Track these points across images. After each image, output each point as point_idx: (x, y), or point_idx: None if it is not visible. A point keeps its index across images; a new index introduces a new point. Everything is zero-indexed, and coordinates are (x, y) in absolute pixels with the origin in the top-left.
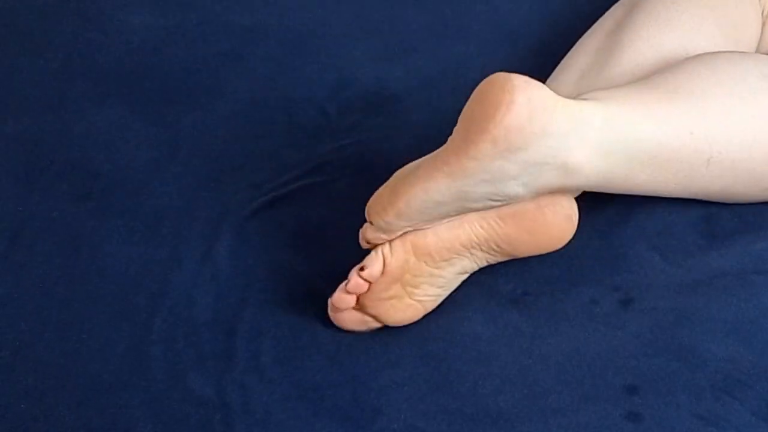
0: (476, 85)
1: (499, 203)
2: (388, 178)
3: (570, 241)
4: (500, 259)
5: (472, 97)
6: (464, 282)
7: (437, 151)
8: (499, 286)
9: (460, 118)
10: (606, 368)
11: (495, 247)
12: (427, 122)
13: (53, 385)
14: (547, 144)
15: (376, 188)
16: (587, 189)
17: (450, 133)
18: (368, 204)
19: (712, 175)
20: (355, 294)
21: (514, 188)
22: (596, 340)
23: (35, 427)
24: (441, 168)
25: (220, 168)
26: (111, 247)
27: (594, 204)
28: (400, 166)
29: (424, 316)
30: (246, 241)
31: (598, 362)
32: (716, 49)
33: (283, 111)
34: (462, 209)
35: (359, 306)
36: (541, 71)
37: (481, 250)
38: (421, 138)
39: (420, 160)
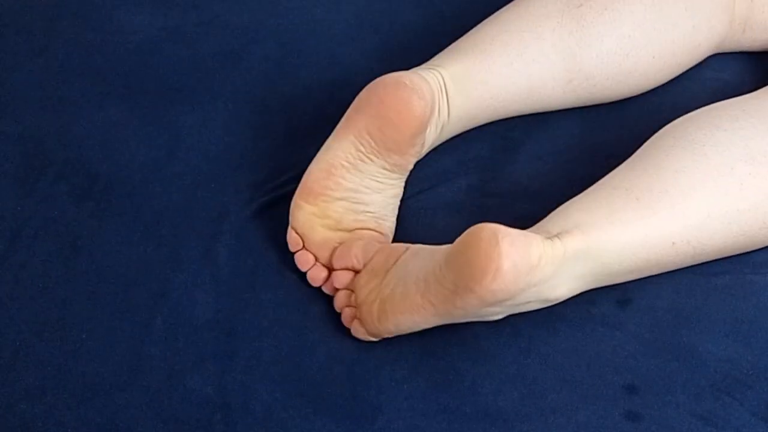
0: None
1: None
2: None
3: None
4: None
5: (459, 244)
6: None
7: (424, 278)
8: None
9: (447, 259)
10: (605, 368)
11: None
12: None
13: (53, 384)
14: (532, 291)
15: None
16: None
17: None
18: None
19: (700, 259)
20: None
21: (497, 316)
22: (594, 340)
23: (35, 427)
24: (428, 307)
25: (219, 168)
26: (111, 246)
27: None
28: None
29: None
30: (246, 240)
31: (596, 362)
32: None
33: (283, 111)
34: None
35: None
36: None
37: None
38: None
39: (402, 273)
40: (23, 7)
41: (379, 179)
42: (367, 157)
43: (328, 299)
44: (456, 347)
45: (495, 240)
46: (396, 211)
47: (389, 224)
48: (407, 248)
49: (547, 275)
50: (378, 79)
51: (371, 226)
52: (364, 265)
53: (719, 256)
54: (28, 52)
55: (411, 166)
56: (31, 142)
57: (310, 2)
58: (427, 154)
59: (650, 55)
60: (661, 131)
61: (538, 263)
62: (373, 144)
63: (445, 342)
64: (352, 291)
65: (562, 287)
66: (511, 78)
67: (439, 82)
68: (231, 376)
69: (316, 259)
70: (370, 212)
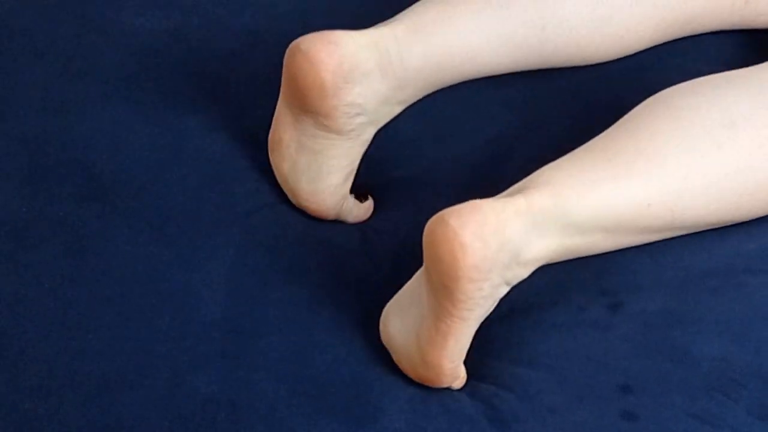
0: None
1: None
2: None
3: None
4: None
5: (425, 256)
6: None
7: (424, 314)
8: None
9: (426, 278)
10: (598, 369)
11: None
12: (424, 122)
13: (59, 384)
14: (508, 251)
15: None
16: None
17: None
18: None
19: (680, 228)
20: None
21: (501, 290)
22: (586, 344)
23: (40, 426)
24: (447, 320)
25: (224, 169)
26: (117, 247)
27: None
28: (399, 166)
29: None
30: (252, 240)
31: (589, 364)
32: None
33: None
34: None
35: None
36: None
37: None
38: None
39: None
40: (25, 9)
41: (314, 139)
42: (295, 116)
43: (336, 299)
44: None
45: (444, 223)
46: (337, 178)
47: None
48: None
49: (516, 231)
50: (288, 49)
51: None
52: None
53: (704, 227)
54: (31, 54)
55: (353, 125)
56: (35, 143)
57: (311, 6)
58: (418, 158)
59: (628, 2)
60: (644, 102)
61: (498, 221)
62: (293, 104)
63: None
64: None
65: (537, 245)
66: (479, 26)
67: (380, 37)
68: (236, 375)
69: None
70: (307, 177)
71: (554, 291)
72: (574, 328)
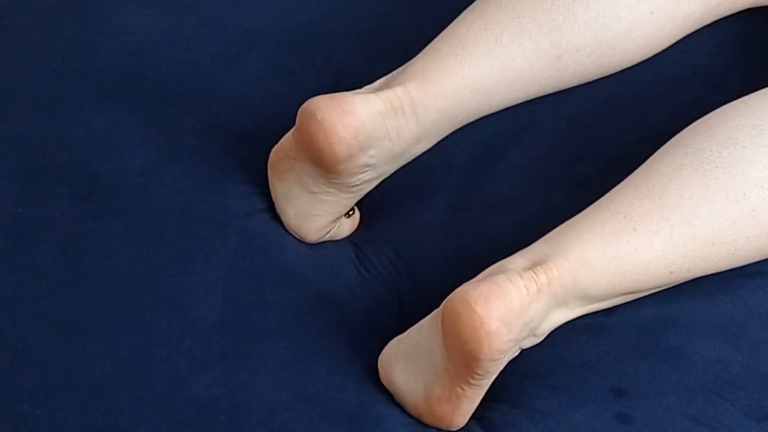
0: None
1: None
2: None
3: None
4: None
5: (445, 327)
6: None
7: (440, 374)
8: None
9: (446, 348)
10: (591, 372)
11: None
12: None
13: (57, 386)
14: (529, 327)
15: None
16: None
17: None
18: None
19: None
20: None
21: (515, 351)
22: (578, 348)
23: (38, 429)
24: (463, 385)
25: (219, 169)
26: (113, 248)
27: None
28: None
29: None
30: (250, 242)
31: (582, 368)
32: None
33: (281, 113)
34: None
35: None
36: None
37: None
38: None
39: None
40: (21, 9)
41: (317, 187)
42: (307, 162)
43: (334, 304)
44: None
45: (469, 308)
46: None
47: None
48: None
49: (538, 310)
50: (301, 109)
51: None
52: None
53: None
54: (26, 54)
55: (359, 181)
56: (31, 143)
57: (307, 5)
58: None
59: (647, 11)
60: (675, 138)
61: (522, 305)
62: (302, 159)
63: None
64: None
65: (556, 316)
66: (492, 66)
67: (394, 98)
68: (236, 378)
69: None
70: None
71: None
72: (568, 334)
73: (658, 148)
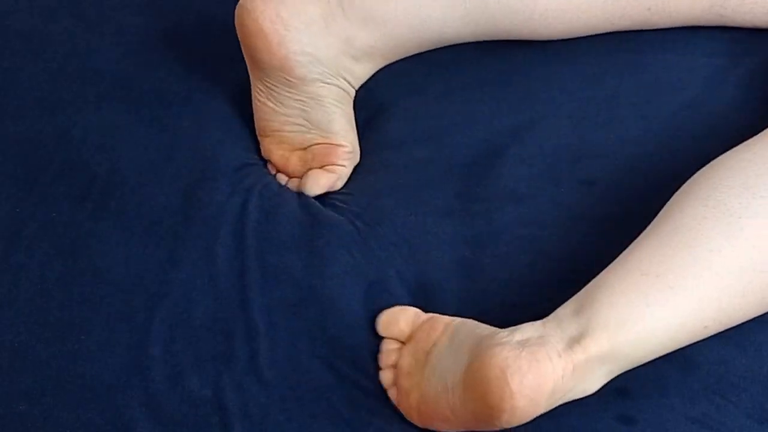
0: None
1: None
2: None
3: None
4: None
5: (471, 376)
6: None
7: (452, 388)
8: None
9: (464, 385)
10: None
11: None
12: (420, 125)
13: (52, 386)
14: (553, 403)
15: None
16: None
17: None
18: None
19: None
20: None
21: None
22: None
23: (34, 428)
24: (458, 423)
25: (217, 170)
26: (109, 248)
27: None
28: (389, 166)
29: None
30: (244, 243)
31: None
32: None
33: None
34: None
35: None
36: None
37: None
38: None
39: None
40: (20, 9)
41: (294, 99)
42: (266, 84)
43: (329, 303)
44: None
45: (504, 380)
46: (343, 120)
47: (341, 134)
48: (446, 326)
49: (568, 387)
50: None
51: (320, 141)
52: (410, 337)
53: None
54: (25, 54)
55: (312, 74)
56: (29, 143)
57: None
58: (412, 163)
59: None
60: (687, 188)
61: (555, 384)
62: (254, 68)
63: None
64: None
65: (588, 383)
66: None
67: None
68: (229, 378)
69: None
70: (315, 129)
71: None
72: None
73: (658, 148)
